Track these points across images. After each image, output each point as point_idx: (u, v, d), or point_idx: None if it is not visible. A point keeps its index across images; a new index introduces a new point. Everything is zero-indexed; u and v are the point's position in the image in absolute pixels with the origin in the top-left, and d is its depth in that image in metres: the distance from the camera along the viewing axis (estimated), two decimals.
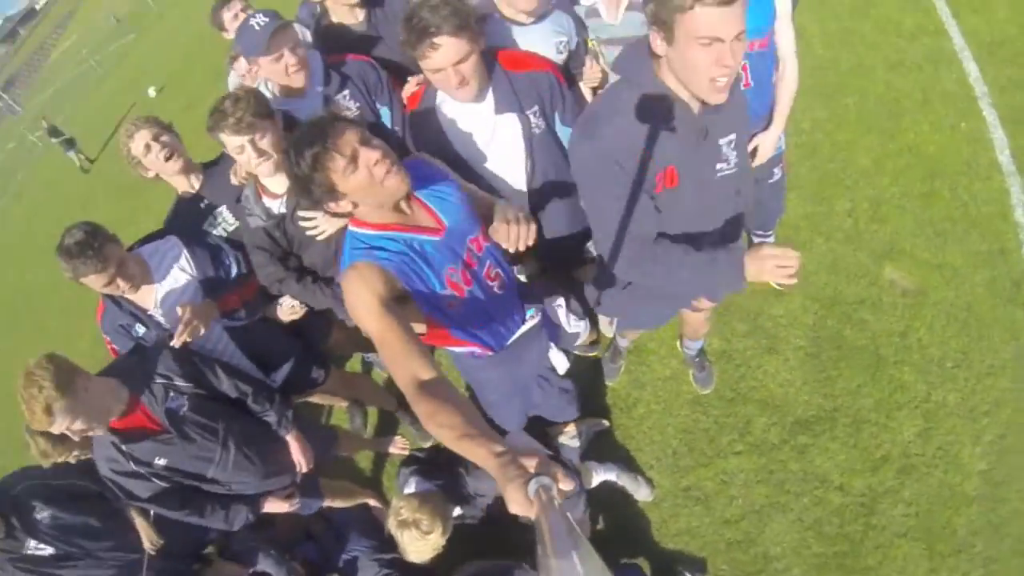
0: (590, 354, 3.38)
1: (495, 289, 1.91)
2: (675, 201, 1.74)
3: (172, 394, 2.19)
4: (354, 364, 4.10)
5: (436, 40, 1.88)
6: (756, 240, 3.48)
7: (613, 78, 1.93)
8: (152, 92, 16.00)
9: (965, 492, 2.74)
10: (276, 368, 2.75)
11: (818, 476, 2.85)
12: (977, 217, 3.75)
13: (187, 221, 2.67)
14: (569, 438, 2.74)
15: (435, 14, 1.86)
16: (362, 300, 1.56)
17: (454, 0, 1.94)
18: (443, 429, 1.27)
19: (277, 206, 2.28)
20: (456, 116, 2.20)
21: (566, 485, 1.00)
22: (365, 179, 1.56)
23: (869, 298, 3.35)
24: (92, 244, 2.18)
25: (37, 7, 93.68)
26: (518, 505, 1.00)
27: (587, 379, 3.31)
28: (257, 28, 2.29)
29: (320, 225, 2.22)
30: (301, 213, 2.21)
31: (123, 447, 2.11)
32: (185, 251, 2.49)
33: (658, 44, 1.50)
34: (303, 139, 1.55)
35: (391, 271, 1.63)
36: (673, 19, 1.41)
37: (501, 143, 2.21)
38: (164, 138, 2.56)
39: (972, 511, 2.71)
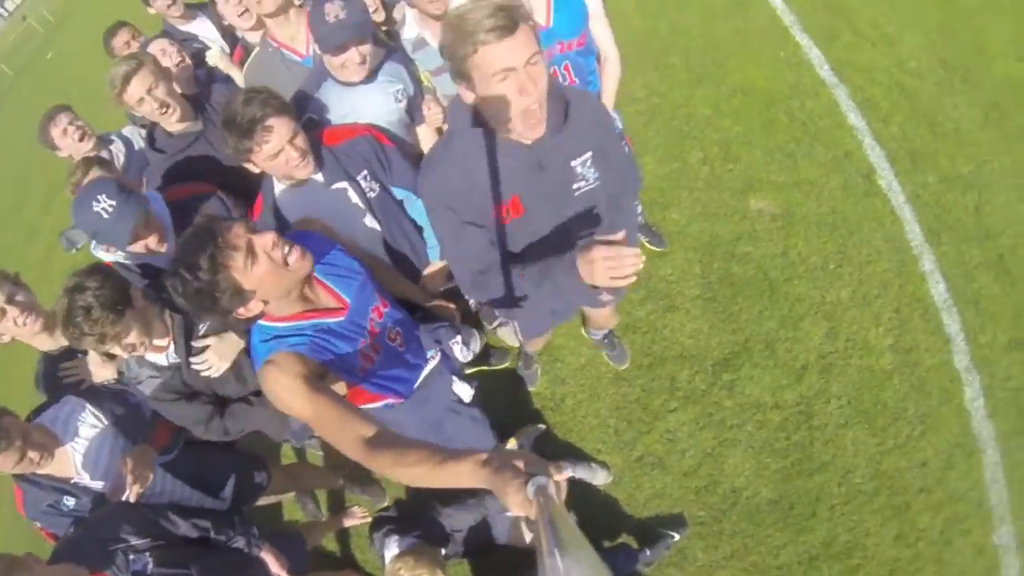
0: (501, 366, 3.39)
1: (397, 346, 1.94)
2: (526, 227, 1.77)
3: (133, 557, 2.02)
4: (287, 453, 3.95)
5: (267, 123, 1.90)
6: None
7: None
8: None
9: (883, 368, 2.95)
10: (220, 487, 2.56)
11: (752, 403, 2.96)
12: (816, 131, 4.04)
13: (63, 379, 2.39)
14: None
15: (252, 105, 1.89)
16: (287, 388, 1.53)
17: (260, 88, 1.97)
18: (414, 468, 1.23)
19: (163, 358, 2.14)
20: (293, 202, 2.18)
21: (561, 476, 0.98)
22: (268, 267, 1.51)
23: (744, 232, 3.52)
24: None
25: None
26: (519, 507, 0.98)
27: (509, 391, 3.32)
28: (106, 217, 2.13)
29: (213, 363, 2.14)
30: (192, 359, 2.12)
31: None
32: (88, 405, 2.26)
33: (467, 94, 1.53)
34: (190, 249, 1.47)
35: (306, 354, 1.61)
36: (466, 67, 1.44)
37: (343, 213, 2.21)
38: (19, 298, 2.27)
39: (894, 382, 2.93)
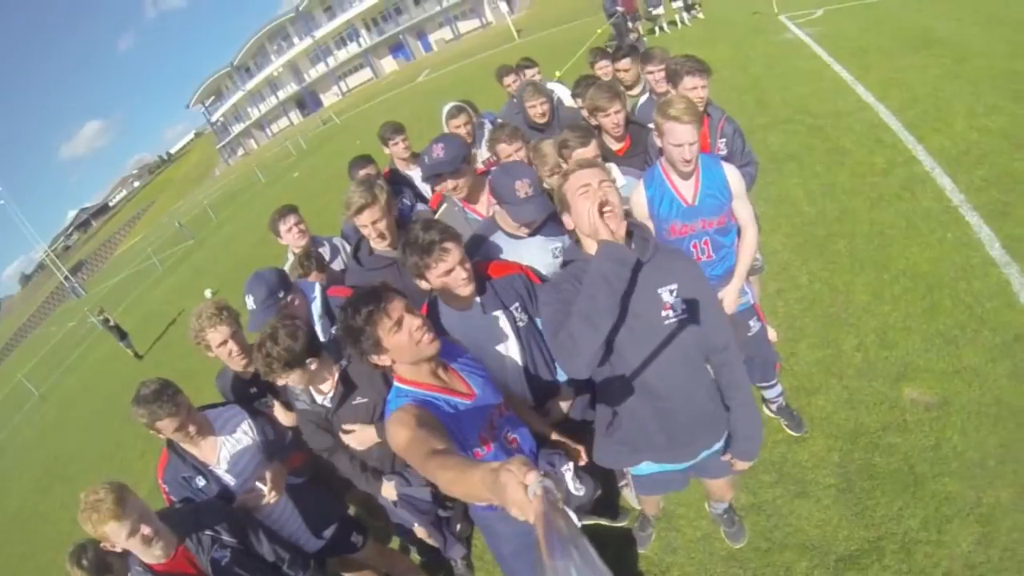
0: (618, 524, 3.47)
1: (513, 450, 2.17)
2: (617, 336, 2.06)
3: (216, 546, 2.35)
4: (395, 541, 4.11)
5: (444, 246, 2.29)
6: (762, 391, 3.68)
7: None
8: (208, 294, 16.29)
9: None
10: (321, 528, 2.98)
11: None
12: (984, 314, 3.92)
13: (242, 397, 3.08)
14: None
15: (432, 231, 2.32)
16: (401, 422, 1.79)
17: (437, 220, 2.46)
18: (448, 472, 1.42)
19: (321, 399, 2.71)
20: (455, 320, 2.54)
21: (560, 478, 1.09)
22: (405, 339, 1.89)
23: (893, 422, 3.44)
24: (167, 392, 2.54)
25: (111, 203, 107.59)
26: (517, 507, 1.00)
27: (618, 547, 3.36)
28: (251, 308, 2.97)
29: (358, 438, 2.67)
30: (345, 427, 2.67)
31: None
32: (248, 418, 2.86)
33: (568, 220, 2.14)
34: (360, 300, 1.90)
35: (430, 410, 1.88)
36: (563, 196, 2.08)
37: (494, 336, 2.63)
38: (238, 338, 3.00)
39: None
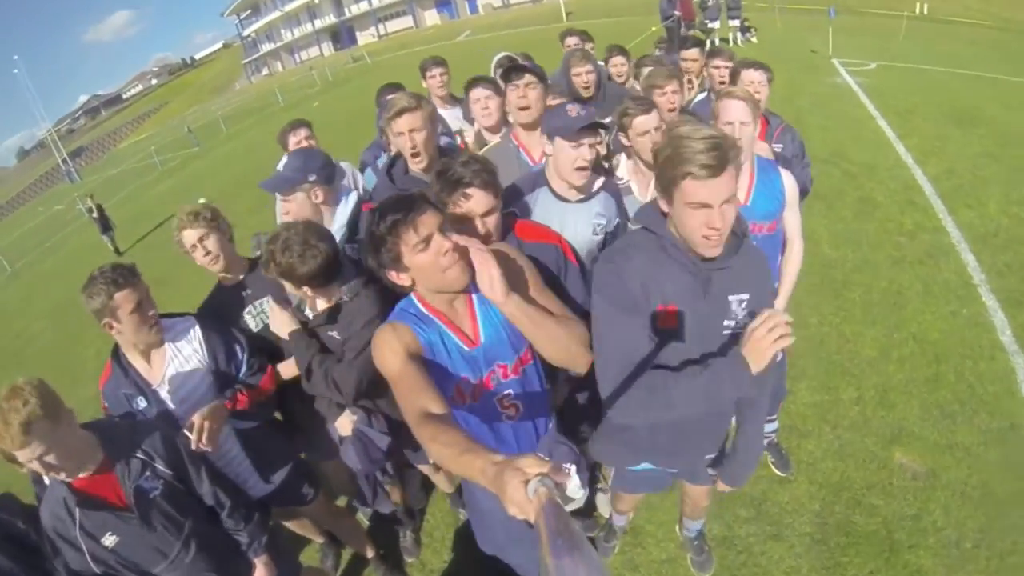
0: (585, 532, 3.33)
1: (504, 417, 1.98)
2: (673, 343, 1.85)
3: (148, 474, 2.05)
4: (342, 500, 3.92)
5: (468, 191, 2.08)
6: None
7: None
8: (202, 202, 16.51)
9: None
10: (271, 474, 2.77)
11: None
12: (984, 396, 3.90)
13: (225, 306, 2.81)
14: None
15: (467, 168, 2.09)
16: (390, 346, 1.71)
17: (483, 160, 2.18)
18: (443, 449, 1.33)
19: (309, 312, 2.56)
20: None
21: (562, 477, 0.99)
22: (429, 262, 1.69)
23: (879, 483, 3.42)
24: (124, 269, 2.30)
25: (124, 96, 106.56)
26: (517, 506, 0.98)
27: None
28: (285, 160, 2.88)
29: (279, 319, 2.55)
30: (276, 302, 2.58)
31: (75, 510, 1.94)
32: (200, 333, 2.56)
33: (663, 204, 1.75)
34: (389, 206, 1.71)
35: (421, 341, 1.78)
36: (671, 188, 1.65)
37: None
38: (208, 242, 2.70)
39: None
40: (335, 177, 2.85)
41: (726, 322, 1.86)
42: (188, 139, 34.56)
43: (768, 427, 3.57)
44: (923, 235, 5.91)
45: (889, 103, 10.22)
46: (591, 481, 3.45)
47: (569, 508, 2.30)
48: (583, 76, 4.22)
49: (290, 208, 2.79)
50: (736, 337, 1.81)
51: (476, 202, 2.09)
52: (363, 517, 3.73)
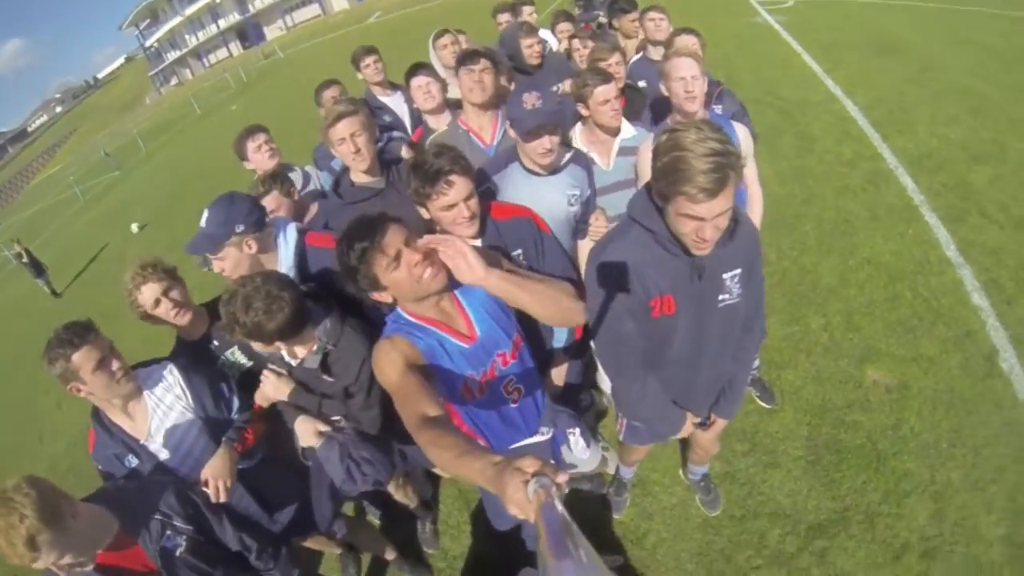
0: (596, 492, 3.50)
1: (510, 402, 2.06)
2: (671, 327, 1.99)
3: (169, 532, 2.01)
4: (348, 508, 3.84)
5: (450, 178, 2.10)
6: None
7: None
8: (135, 228, 15.65)
9: (991, 560, 2.83)
10: (280, 509, 2.67)
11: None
12: (939, 308, 4.19)
13: (197, 364, 2.59)
14: None
15: (443, 158, 2.12)
16: (389, 358, 1.74)
17: (451, 147, 2.22)
18: (443, 451, 1.34)
19: (294, 362, 2.39)
20: None
21: (563, 478, 1.00)
22: (404, 276, 1.75)
23: (857, 400, 3.66)
24: (78, 326, 2.16)
25: (29, 129, 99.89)
26: (517, 506, 0.99)
27: (594, 514, 3.39)
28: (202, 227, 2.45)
29: (272, 384, 2.41)
30: (271, 369, 2.41)
31: None
32: (179, 377, 2.42)
33: (659, 200, 1.77)
34: (354, 234, 1.75)
35: (420, 349, 1.82)
36: (666, 194, 1.68)
37: None
38: (174, 293, 2.56)
39: None
40: (264, 221, 2.58)
41: (720, 296, 1.98)
42: (107, 163, 33.00)
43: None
44: (862, 163, 6.19)
45: (811, 38, 10.54)
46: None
47: (582, 470, 2.44)
48: (534, 47, 4.30)
49: (224, 266, 2.51)
50: (730, 309, 1.99)
51: (458, 189, 2.13)
52: (373, 518, 3.77)
